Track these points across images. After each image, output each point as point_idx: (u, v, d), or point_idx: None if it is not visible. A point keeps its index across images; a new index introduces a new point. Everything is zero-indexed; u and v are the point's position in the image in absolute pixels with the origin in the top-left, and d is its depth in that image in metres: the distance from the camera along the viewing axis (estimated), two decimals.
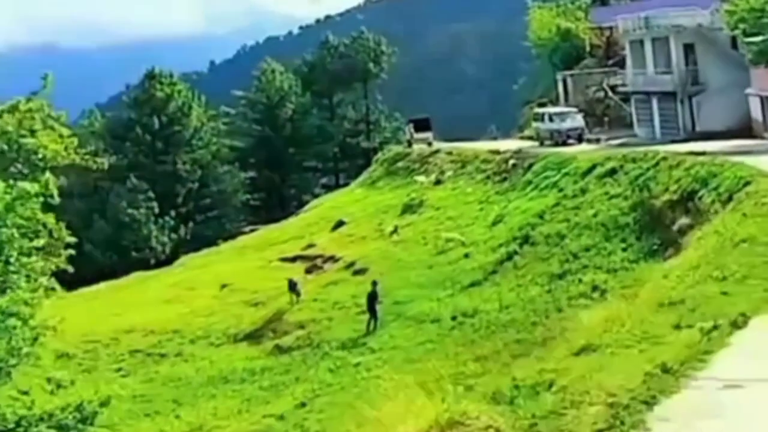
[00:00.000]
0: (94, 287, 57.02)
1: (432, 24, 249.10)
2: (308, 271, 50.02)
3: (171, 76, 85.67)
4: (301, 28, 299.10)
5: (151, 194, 78.87)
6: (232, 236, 72.96)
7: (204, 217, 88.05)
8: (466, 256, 43.75)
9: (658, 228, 34.93)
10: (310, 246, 56.50)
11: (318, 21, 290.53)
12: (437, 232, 50.18)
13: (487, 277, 39.97)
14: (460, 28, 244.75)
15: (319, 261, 52.94)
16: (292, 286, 43.33)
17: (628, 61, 63.98)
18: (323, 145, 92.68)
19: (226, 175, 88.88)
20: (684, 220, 33.02)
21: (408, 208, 59.46)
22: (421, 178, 64.22)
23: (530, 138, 63.53)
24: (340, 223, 61.34)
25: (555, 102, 72.62)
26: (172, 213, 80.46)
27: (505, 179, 55.74)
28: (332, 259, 52.13)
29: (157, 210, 78.89)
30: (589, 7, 78.34)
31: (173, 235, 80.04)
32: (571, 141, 58.82)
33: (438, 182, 63.14)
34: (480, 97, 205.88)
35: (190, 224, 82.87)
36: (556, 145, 58.09)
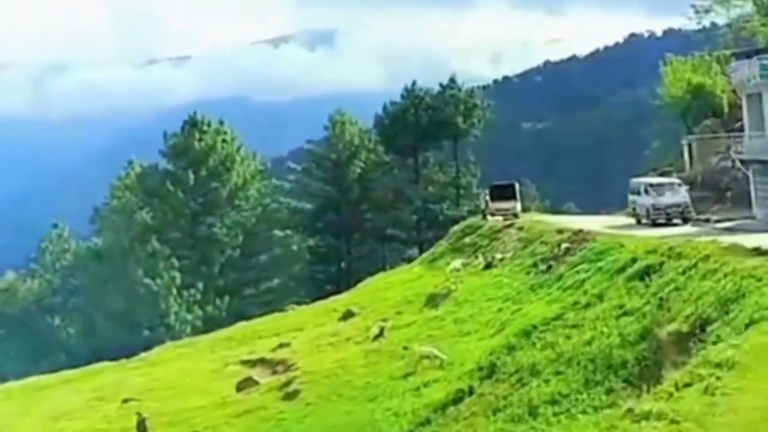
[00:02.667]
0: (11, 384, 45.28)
1: (616, 87, 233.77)
2: (239, 388, 37.28)
3: (222, 123, 74.23)
4: (477, 88, 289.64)
5: (174, 261, 67.26)
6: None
7: (256, 290, 76.00)
8: (425, 385, 31.73)
9: (652, 376, 22.44)
10: (283, 346, 44.21)
11: (496, 82, 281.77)
12: (427, 340, 38.14)
13: (414, 431, 27.05)
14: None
15: (279, 368, 41.15)
16: (141, 429, 29.98)
17: (745, 121, 49.00)
18: (399, 211, 79.19)
19: (283, 241, 76.71)
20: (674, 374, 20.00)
21: (431, 300, 47.40)
22: (455, 263, 51.81)
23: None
24: (349, 314, 49.56)
25: (680, 171, 58.65)
26: (200, 285, 68.31)
27: (550, 268, 42.80)
28: (291, 367, 39.88)
29: (179, 281, 66.93)
30: (728, 59, 63.05)
31: (200, 312, 67.96)
32: (676, 220, 45.03)
33: (488, 266, 50.24)
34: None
35: (226, 299, 70.56)
36: (654, 225, 44.80)
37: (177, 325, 66.51)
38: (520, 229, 54.26)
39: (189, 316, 67.26)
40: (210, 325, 65.92)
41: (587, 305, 30.85)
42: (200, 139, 71.79)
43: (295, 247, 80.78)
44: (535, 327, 30.98)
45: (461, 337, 36.92)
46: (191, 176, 70.54)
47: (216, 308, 70.76)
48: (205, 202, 72.73)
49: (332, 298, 59.72)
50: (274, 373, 40.43)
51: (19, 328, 73.68)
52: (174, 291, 66.95)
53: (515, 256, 49.07)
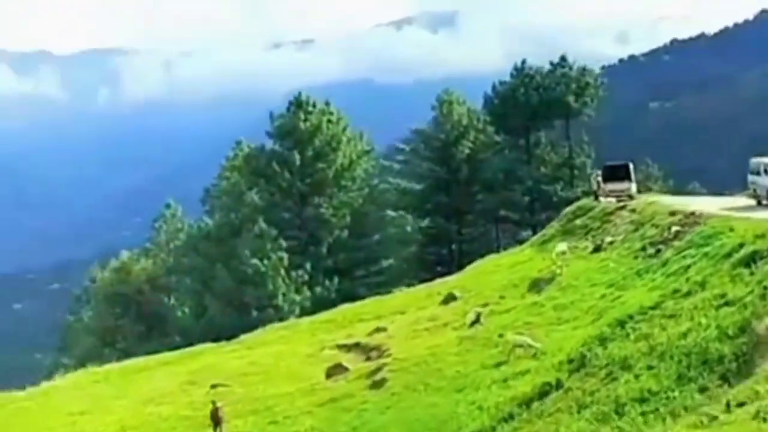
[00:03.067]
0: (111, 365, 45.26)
1: (746, 65, 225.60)
2: (329, 374, 36.52)
3: (327, 103, 73.47)
4: (602, 68, 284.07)
5: (282, 242, 66.91)
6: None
7: (366, 271, 75.24)
8: (514, 377, 30.29)
9: (750, 373, 20.34)
10: (379, 330, 43.30)
11: (621, 61, 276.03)
12: (524, 328, 36.78)
13: (496, 427, 25.75)
14: None
15: (373, 353, 40.53)
16: (215, 417, 29.28)
17: None
18: (510, 192, 77.30)
19: (395, 222, 75.70)
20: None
21: (534, 285, 45.95)
22: (561, 246, 50.03)
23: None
24: (451, 298, 48.36)
25: None
26: (308, 266, 67.82)
27: (658, 252, 40.76)
28: (384, 353, 39.00)
29: (287, 261, 66.54)
30: None
31: (309, 293, 67.52)
32: None
33: (597, 249, 48.47)
34: None
35: (335, 280, 69.91)
36: None
37: (285, 306, 66.05)
38: (633, 210, 52.27)
39: (297, 297, 66.76)
40: (319, 306, 65.31)
41: (688, 293, 28.80)
42: (305, 120, 71.10)
43: (409, 228, 79.77)
44: (631, 316, 29.09)
45: (559, 324, 35.44)
46: (297, 157, 69.94)
47: (325, 289, 70.09)
48: (312, 183, 72.09)
49: (438, 281, 58.58)
50: (368, 359, 39.63)
51: (133, 308, 74.57)
52: (282, 272, 66.49)
53: (625, 240, 47.18)
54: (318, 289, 68.82)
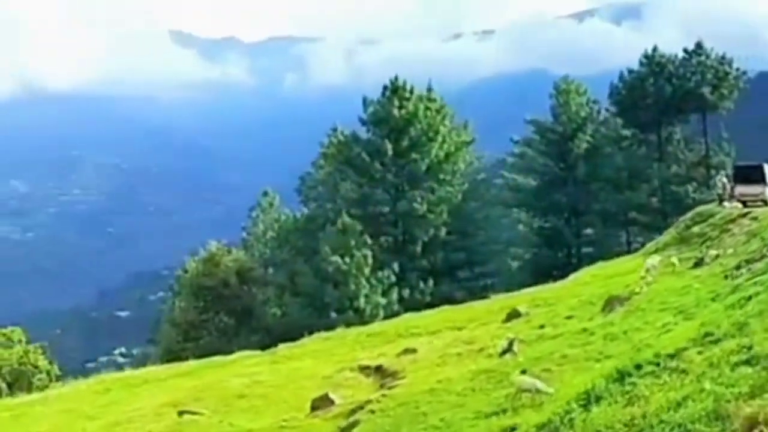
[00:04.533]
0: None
1: None
2: (314, 407, 30.84)
3: (429, 89, 67.23)
4: None
5: (366, 239, 61.34)
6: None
7: (470, 274, 68.93)
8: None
9: None
10: (407, 352, 37.35)
11: None
12: (558, 361, 30.58)
13: None
14: None
15: (387, 381, 34.68)
16: None
17: None
18: (633, 191, 69.22)
19: (504, 221, 69.11)
20: None
21: (608, 305, 39.11)
22: (651, 260, 42.81)
23: None
24: (514, 315, 41.93)
25: None
26: (395, 266, 62.05)
27: (749, 271, 33.67)
28: (394, 384, 33.27)
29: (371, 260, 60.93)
30: None
31: (396, 295, 61.80)
32: None
33: (698, 264, 41.48)
34: None
35: (430, 283, 63.89)
36: None
37: (367, 309, 60.51)
38: (754, 218, 44.85)
39: (382, 300, 61.04)
40: (410, 310, 59.70)
41: (719, 339, 21.93)
42: (401, 107, 65.09)
43: (521, 227, 73.07)
44: (639, 366, 22.26)
45: (596, 361, 28.55)
46: (389, 146, 64.05)
47: (419, 292, 64.26)
48: (405, 175, 66.16)
49: (525, 291, 51.92)
50: (381, 386, 33.77)
51: (219, 302, 70.40)
52: (366, 271, 60.87)
53: (733, 254, 39.80)
54: (407, 292, 62.94)
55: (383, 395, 29.49)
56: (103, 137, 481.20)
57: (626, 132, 72.68)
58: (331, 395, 30.85)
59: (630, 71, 72.74)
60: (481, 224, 69.77)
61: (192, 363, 44.43)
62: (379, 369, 36.31)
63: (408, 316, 49.74)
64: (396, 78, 67.58)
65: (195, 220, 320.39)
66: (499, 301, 48.40)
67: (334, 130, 68.59)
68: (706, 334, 22.88)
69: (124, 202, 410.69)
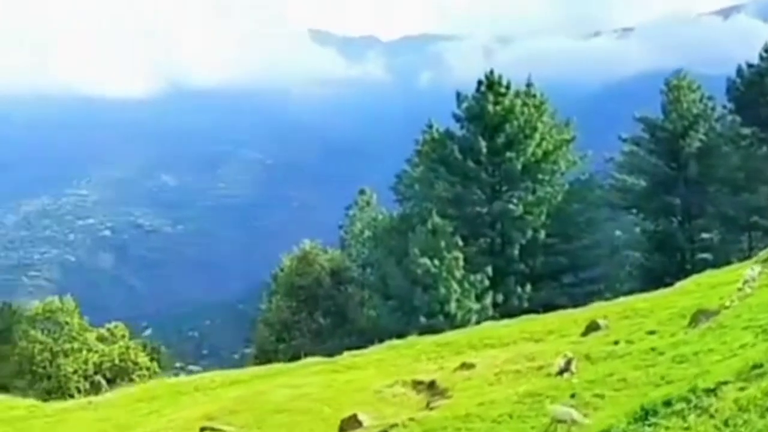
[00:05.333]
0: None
1: None
2: (342, 429, 28.49)
3: (529, 84, 63.91)
4: None
5: (458, 240, 58.56)
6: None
7: (575, 279, 65.45)
8: None
9: None
10: (464, 367, 34.73)
11: None
12: (615, 386, 27.72)
13: None
14: None
15: (435, 398, 32.40)
16: None
17: None
18: (752, 194, 64.40)
19: (610, 223, 65.36)
20: None
21: (694, 318, 35.83)
22: (752, 271, 38.93)
23: None
24: (593, 327, 38.90)
25: None
26: (489, 269, 59.06)
27: None
28: (439, 404, 30.90)
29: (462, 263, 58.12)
30: None
31: (489, 300, 58.86)
32: None
33: None
34: None
35: (527, 287, 60.71)
36: None
37: (459, 314, 57.70)
38: None
39: (474, 305, 58.13)
40: (506, 315, 56.69)
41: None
42: (496, 103, 61.92)
43: (637, 230, 69.15)
44: (687, 398, 19.32)
45: (654, 387, 25.42)
46: (482, 144, 60.97)
47: (516, 297, 61.19)
48: (501, 174, 62.95)
49: (616, 300, 48.34)
50: (427, 405, 31.26)
51: (312, 302, 68.70)
52: (457, 274, 58.07)
53: None
54: (500, 296, 59.88)
55: (411, 419, 26.97)
56: (247, 133, 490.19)
57: (745, 130, 67.73)
58: (360, 416, 28.38)
59: (749, 65, 67.81)
60: (584, 227, 66.08)
61: (249, 370, 42.64)
62: (431, 385, 33.74)
63: (488, 325, 46.86)
64: (491, 72, 64.43)
65: (337, 216, 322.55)
66: (590, 311, 45.03)
67: (430, 126, 65.85)
68: (754, 367, 19.72)
69: (269, 197, 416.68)
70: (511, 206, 61.32)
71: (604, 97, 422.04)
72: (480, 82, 64.22)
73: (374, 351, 43.10)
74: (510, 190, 63.45)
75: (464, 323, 56.87)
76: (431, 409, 29.66)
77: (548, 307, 53.37)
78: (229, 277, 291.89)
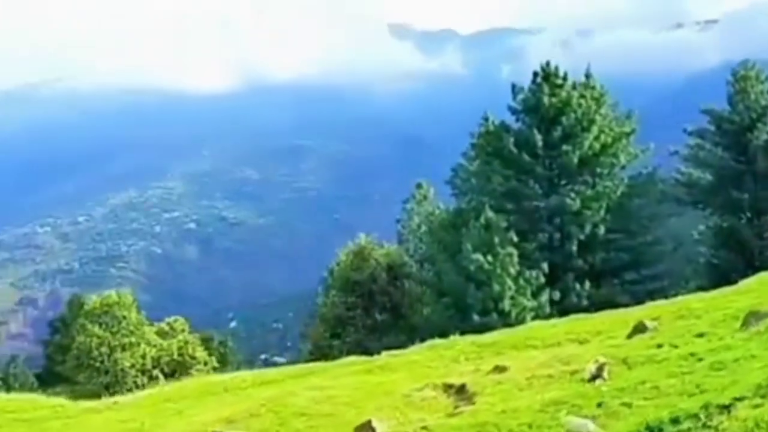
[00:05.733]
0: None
1: None
2: None
3: (588, 75, 61.87)
4: None
5: (512, 236, 56.90)
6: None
7: (637, 276, 63.23)
8: None
9: None
10: (497, 370, 33.18)
11: None
12: (646, 394, 26.14)
13: None
14: None
15: (461, 403, 30.87)
16: None
17: None
18: None
19: (674, 219, 63.03)
20: None
21: (747, 320, 33.74)
22: None
23: None
24: (640, 328, 36.80)
25: None
26: (545, 266, 57.28)
27: None
28: (463, 410, 29.40)
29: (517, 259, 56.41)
30: None
31: (546, 297, 57.09)
32: None
33: None
34: None
35: (586, 285, 58.81)
36: None
37: (513, 311, 56.02)
38: None
39: (529, 303, 56.40)
40: (563, 314, 54.90)
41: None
42: (552, 95, 59.98)
43: (703, 226, 66.70)
44: (697, 414, 17.92)
45: (688, 396, 23.71)
46: (538, 137, 59.12)
47: (575, 294, 59.30)
48: (557, 168, 60.98)
49: (674, 300, 46.17)
50: (455, 409, 29.82)
51: (368, 298, 67.55)
52: (512, 271, 56.38)
53: None
54: (558, 294, 58.03)
55: (423, 428, 25.50)
56: (327, 127, 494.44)
57: None
58: (374, 423, 26.99)
59: None
60: (647, 222, 63.85)
61: (283, 370, 41.47)
62: (461, 389, 32.27)
63: (535, 325, 45.13)
64: (548, 63, 62.55)
65: None
66: (643, 311, 42.98)
67: (486, 119, 64.15)
68: None
69: (350, 190, 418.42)
70: (568, 201, 59.33)
71: (686, 90, 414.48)
72: (536, 74, 62.40)
73: (413, 351, 41.61)
74: (567, 185, 61.53)
75: (519, 321, 55.19)
76: (455, 415, 28.22)
77: (608, 305, 51.38)
78: (311, 269, 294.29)
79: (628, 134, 62.35)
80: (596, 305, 54.57)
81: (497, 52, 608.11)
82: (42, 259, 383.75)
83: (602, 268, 61.80)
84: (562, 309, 57.43)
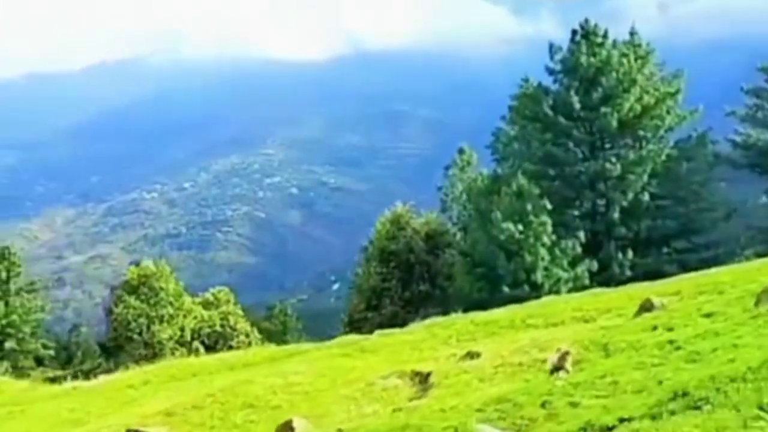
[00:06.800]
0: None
1: None
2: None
3: (633, 33, 57.32)
4: None
5: (546, 203, 53.23)
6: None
7: (693, 244, 59.17)
8: None
9: None
10: (470, 356, 30.28)
11: None
12: (606, 390, 22.77)
13: None
14: None
15: (421, 395, 28.29)
16: None
17: None
18: None
19: (722, 185, 58.61)
20: None
21: (760, 299, 30.22)
22: None
23: None
24: (647, 306, 33.30)
25: None
26: (581, 234, 53.56)
27: None
28: (415, 404, 26.53)
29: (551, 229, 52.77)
30: None
31: (583, 267, 53.41)
32: None
33: None
34: None
35: (629, 254, 54.93)
36: None
37: (546, 283, 52.53)
38: None
39: (564, 274, 52.81)
40: (605, 284, 51.22)
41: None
42: (592, 54, 55.68)
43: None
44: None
45: (648, 394, 20.43)
46: (575, 99, 54.98)
47: (617, 264, 55.57)
48: (597, 132, 56.79)
49: (707, 271, 42.06)
50: (407, 402, 26.88)
51: (404, 268, 64.48)
52: (546, 240, 52.82)
53: None
54: (597, 263, 54.29)
55: (339, 430, 22.54)
56: (424, 93, 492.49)
57: None
58: (295, 423, 24.04)
59: None
60: (697, 188, 59.41)
61: (265, 350, 39.00)
62: (426, 378, 29.26)
63: (547, 300, 41.58)
64: (587, 20, 58.28)
65: None
66: (665, 285, 39.10)
67: (525, 80, 60.23)
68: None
69: (449, 156, 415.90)
70: (608, 165, 55.38)
71: None
72: (574, 32, 58.22)
73: (407, 331, 38.69)
74: (608, 149, 57.43)
75: (553, 293, 51.67)
76: (399, 410, 25.19)
77: (654, 275, 47.59)
78: None
79: (672, 95, 57.81)
80: (641, 276, 50.85)
81: (593, 15, 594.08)
82: (150, 224, 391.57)
83: (648, 236, 57.79)
84: (602, 280, 53.81)
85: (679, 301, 32.82)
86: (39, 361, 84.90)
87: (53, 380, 55.93)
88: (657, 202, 57.70)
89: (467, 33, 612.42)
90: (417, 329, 38.90)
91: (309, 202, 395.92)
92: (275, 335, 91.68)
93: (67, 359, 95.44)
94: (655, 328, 27.98)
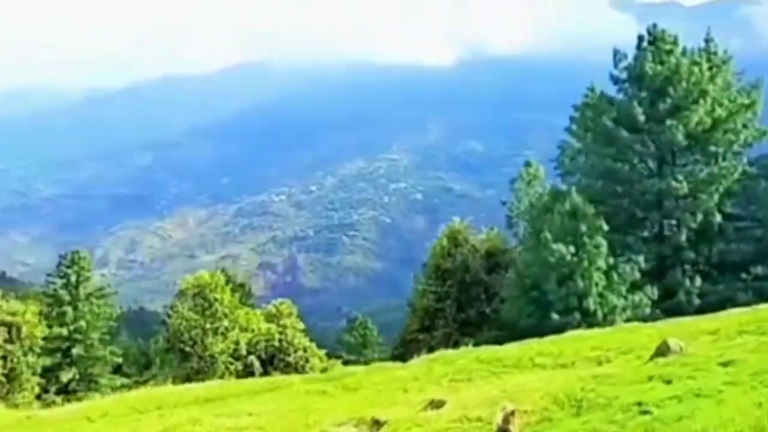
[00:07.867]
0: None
1: None
2: None
3: (708, 40, 52.11)
4: None
5: (603, 224, 48.51)
6: None
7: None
8: None
9: None
10: (433, 406, 26.58)
11: None
12: None
13: None
14: None
15: None
16: None
17: None
18: None
19: None
20: None
21: None
22: None
23: None
24: (663, 350, 29.26)
25: None
26: (641, 259, 48.66)
27: None
28: None
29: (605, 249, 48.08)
30: None
31: (641, 294, 48.57)
32: None
33: None
34: None
35: (698, 281, 49.86)
36: None
37: (599, 311, 47.92)
38: None
39: (620, 301, 48.08)
40: (669, 314, 46.37)
41: None
42: (660, 62, 50.51)
43: None
44: None
45: None
46: (639, 110, 49.92)
47: (684, 291, 50.65)
48: (662, 145, 51.63)
49: (734, 310, 36.85)
50: None
51: (459, 287, 60.39)
52: (601, 263, 48.18)
53: None
54: (658, 291, 49.35)
55: None
56: (548, 99, 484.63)
57: None
58: None
59: None
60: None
61: (242, 383, 35.51)
62: (380, 427, 25.41)
63: (577, 334, 36.98)
64: (654, 26, 53.12)
65: None
66: (707, 321, 34.25)
67: (591, 89, 55.42)
68: None
69: None
70: (674, 183, 50.13)
71: None
72: (641, 38, 53.19)
73: (406, 365, 34.78)
74: (676, 165, 52.18)
75: (608, 323, 46.96)
76: None
77: (725, 305, 42.60)
78: None
79: (749, 107, 52.00)
80: (711, 304, 45.81)
81: (723, 24, 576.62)
82: (278, 226, 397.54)
83: (720, 261, 52.36)
84: (667, 308, 48.92)
85: (713, 342, 28.45)
86: (117, 368, 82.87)
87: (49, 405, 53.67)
88: (732, 224, 52.25)
89: (592, 39, 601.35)
90: (417, 364, 34.93)
91: (434, 208, 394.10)
92: (354, 348, 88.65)
93: (146, 365, 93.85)
94: (651, 378, 24.13)
